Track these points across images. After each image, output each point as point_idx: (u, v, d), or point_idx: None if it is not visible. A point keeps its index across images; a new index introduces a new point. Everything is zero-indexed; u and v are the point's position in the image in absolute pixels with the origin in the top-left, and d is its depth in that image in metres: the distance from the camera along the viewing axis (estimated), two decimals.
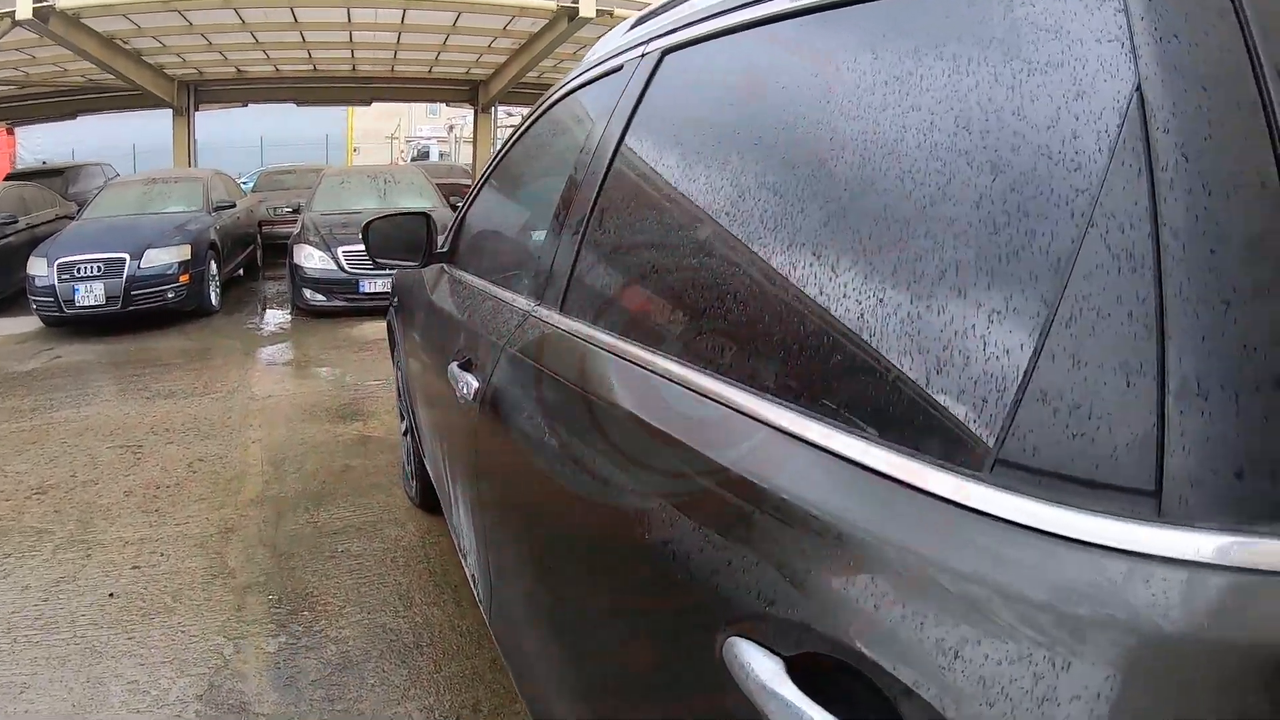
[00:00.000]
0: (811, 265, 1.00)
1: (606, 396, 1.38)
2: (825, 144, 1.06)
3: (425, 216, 2.90)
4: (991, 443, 0.72)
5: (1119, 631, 0.59)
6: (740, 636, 0.87)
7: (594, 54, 2.07)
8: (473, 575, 2.20)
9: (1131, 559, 0.60)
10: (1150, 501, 0.61)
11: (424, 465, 3.48)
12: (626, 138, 1.56)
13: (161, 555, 3.85)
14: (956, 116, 0.85)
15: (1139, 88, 0.68)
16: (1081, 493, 0.65)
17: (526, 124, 2.52)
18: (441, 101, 26.34)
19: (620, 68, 1.72)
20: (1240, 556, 0.57)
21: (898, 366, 0.84)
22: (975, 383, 0.75)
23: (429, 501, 3.84)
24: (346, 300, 9.34)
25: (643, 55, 1.62)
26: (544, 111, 2.36)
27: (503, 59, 18.55)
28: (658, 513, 1.12)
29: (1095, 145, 0.70)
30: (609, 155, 1.59)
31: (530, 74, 18.60)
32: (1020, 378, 0.70)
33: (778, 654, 0.83)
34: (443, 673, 2.88)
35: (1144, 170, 0.66)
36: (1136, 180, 0.66)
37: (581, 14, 13.92)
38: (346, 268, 9.06)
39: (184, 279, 9.17)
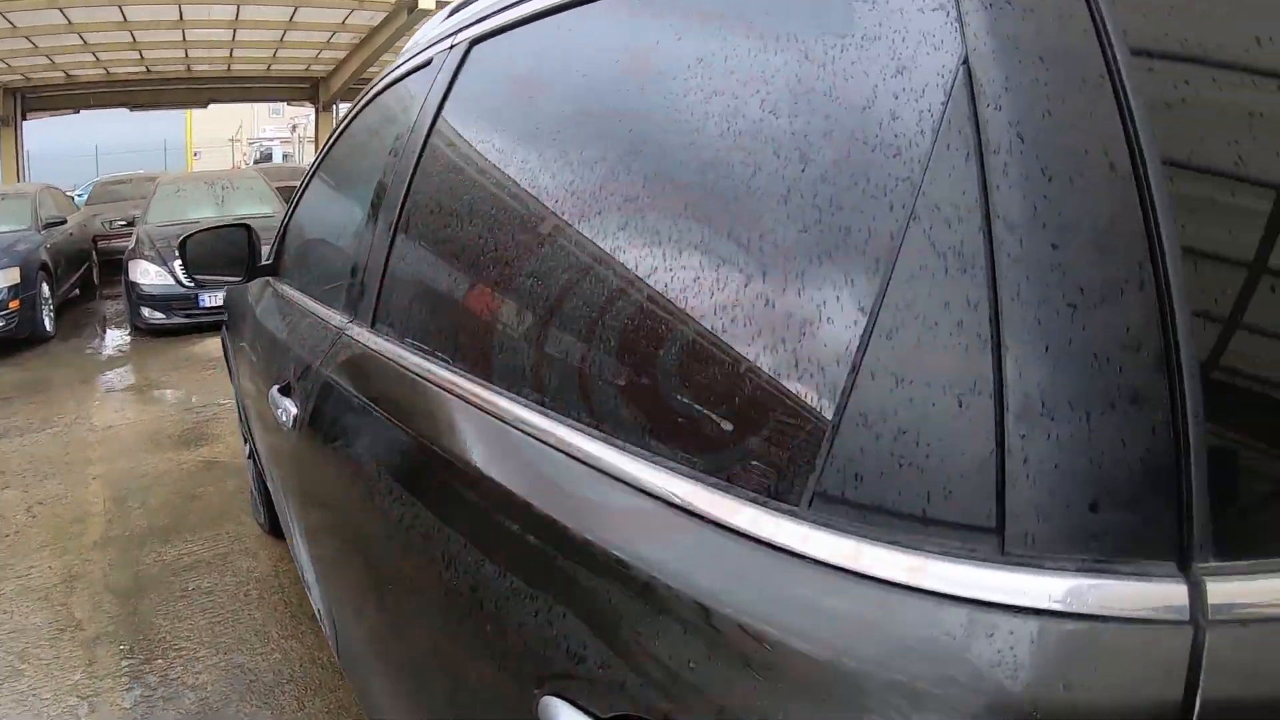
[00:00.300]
0: (607, 273, 0.91)
1: (415, 426, 1.27)
2: (624, 136, 0.96)
3: (246, 228, 2.70)
4: (808, 474, 0.64)
5: (960, 694, 0.52)
6: (554, 695, 0.80)
7: (409, 47, 1.95)
8: (319, 610, 2.06)
9: (972, 607, 0.53)
10: (992, 539, 0.54)
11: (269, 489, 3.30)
12: (433, 136, 1.47)
13: (4, 613, 3.55)
14: (763, 100, 0.76)
15: (966, 61, 0.61)
16: (913, 530, 0.58)
17: (344, 124, 2.38)
18: (282, 100, 25.66)
19: (429, 61, 1.63)
20: (1097, 601, 0.51)
21: (705, 388, 0.76)
22: (788, 405, 0.67)
23: (279, 528, 3.65)
24: (186, 316, 8.86)
25: (451, 47, 1.53)
26: (360, 110, 2.23)
27: (343, 54, 18.12)
28: (464, 555, 1.02)
29: (917, 127, 0.63)
30: (415, 155, 1.50)
31: (371, 69, 18.13)
32: (837, 398, 0.63)
33: (591, 714, 0.76)
34: (306, 710, 2.72)
35: (972, 154, 0.59)
36: (964, 165, 0.59)
37: (421, 6, 13.62)
38: (185, 282, 8.61)
39: (14, 305, 8.50)
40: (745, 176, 0.76)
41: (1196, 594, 0.50)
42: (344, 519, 1.59)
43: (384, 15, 14.75)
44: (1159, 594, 0.50)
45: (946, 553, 0.55)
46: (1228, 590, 0.50)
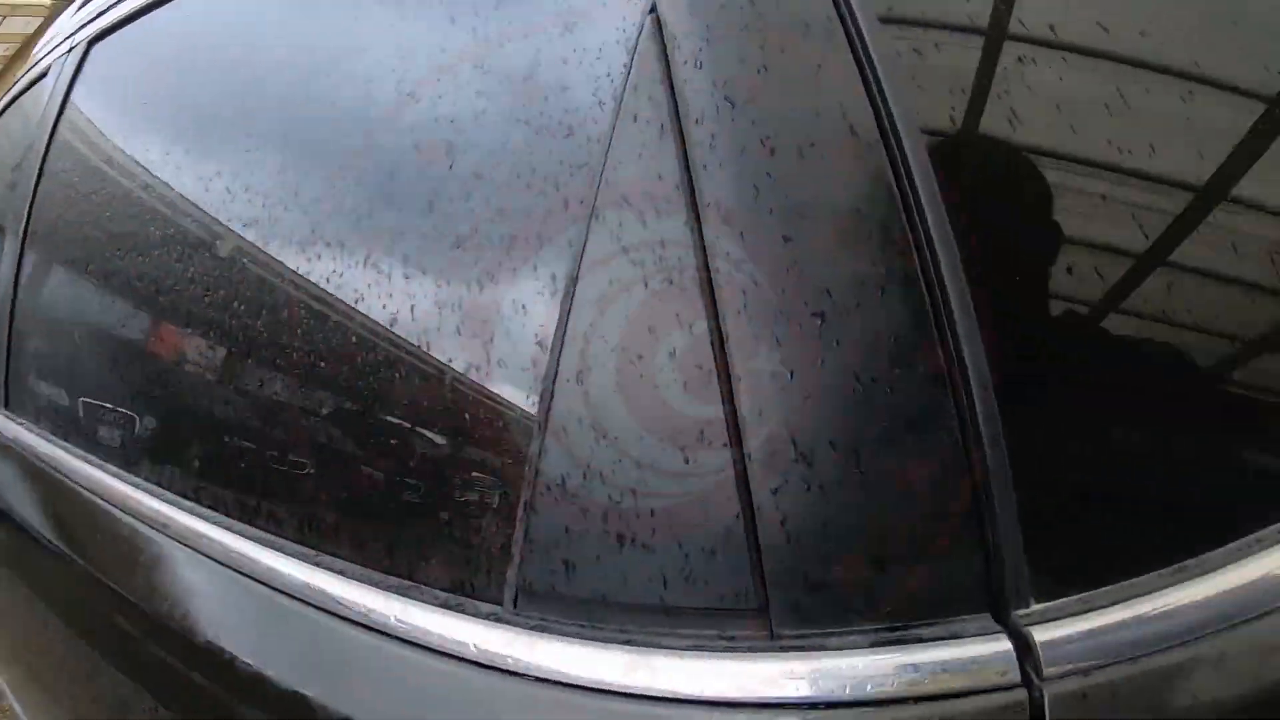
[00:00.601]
0: (241, 322, 0.75)
1: (54, 537, 1.07)
2: (245, 138, 0.82)
3: None
4: (506, 565, 0.51)
5: None
6: None
7: (31, 56, 1.70)
8: None
9: (748, 713, 0.43)
10: (757, 621, 0.44)
11: None
12: (50, 159, 1.26)
13: None
14: (400, 80, 0.63)
15: (654, 8, 0.50)
16: (655, 624, 0.46)
17: None
18: None
19: (46, 70, 1.40)
20: (904, 678, 0.42)
21: (372, 462, 0.63)
22: (471, 476, 0.56)
23: None
24: None
25: (69, 50, 1.30)
26: None
27: None
28: (137, 699, 0.84)
29: (593, 97, 0.51)
30: (33, 184, 1.28)
31: None
32: (525, 463, 0.51)
33: None
34: None
35: (668, 127, 0.48)
36: (657, 142, 0.48)
37: None
38: None
39: None
40: (382, 183, 0.62)
41: (1024, 648, 0.42)
42: (26, 651, 1.35)
43: (40, 21, 13.65)
44: (977, 656, 0.42)
45: (701, 647, 0.45)
46: (1061, 636, 0.43)
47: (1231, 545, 0.48)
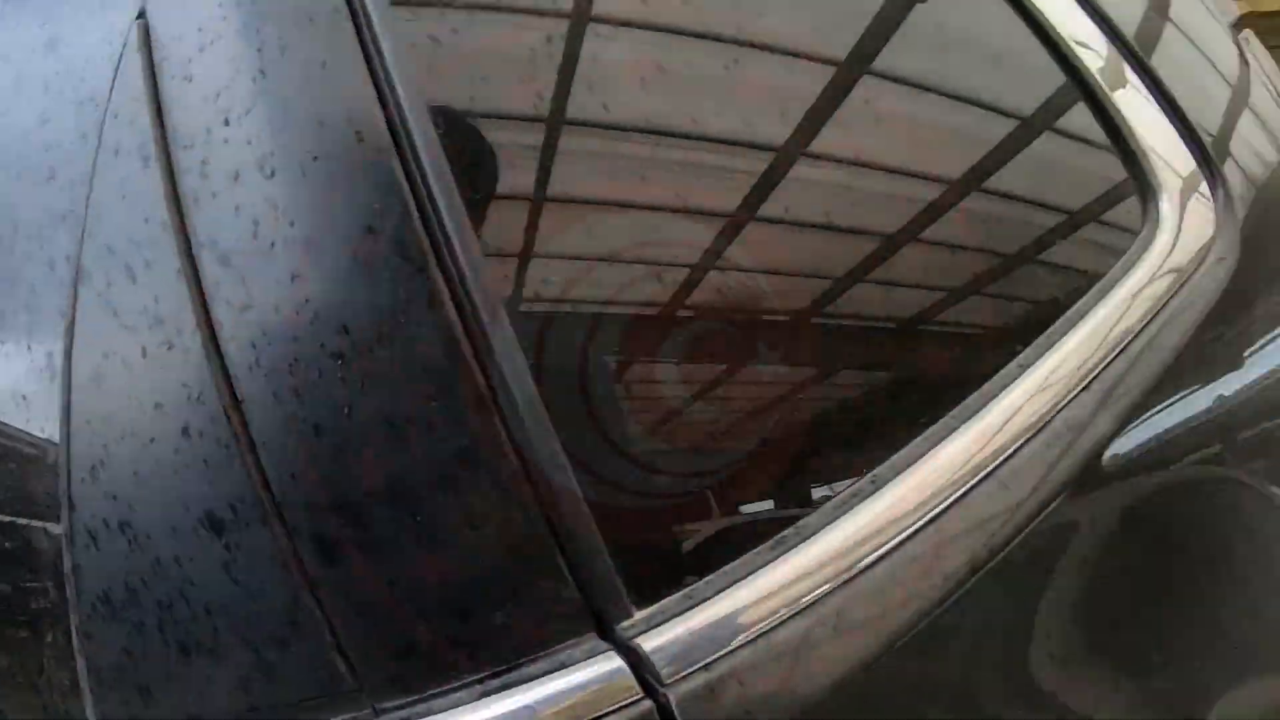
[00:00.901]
0: None
1: None
2: None
3: None
4: (83, 704, 0.44)
5: None
6: None
7: None
8: None
9: None
10: (354, 702, 0.40)
11: None
12: None
13: None
14: None
15: (142, 13, 0.42)
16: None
17: None
18: None
19: None
20: None
21: None
22: (14, 606, 0.48)
23: None
24: None
25: None
26: None
27: None
28: None
29: (76, 128, 0.43)
30: None
31: None
32: (66, 583, 0.43)
33: None
34: None
35: (154, 156, 0.40)
36: (142, 174, 0.40)
37: None
38: None
39: None
40: None
41: (637, 659, 0.40)
42: None
43: None
44: (592, 679, 0.40)
45: None
46: (671, 637, 0.41)
47: (825, 506, 0.48)
